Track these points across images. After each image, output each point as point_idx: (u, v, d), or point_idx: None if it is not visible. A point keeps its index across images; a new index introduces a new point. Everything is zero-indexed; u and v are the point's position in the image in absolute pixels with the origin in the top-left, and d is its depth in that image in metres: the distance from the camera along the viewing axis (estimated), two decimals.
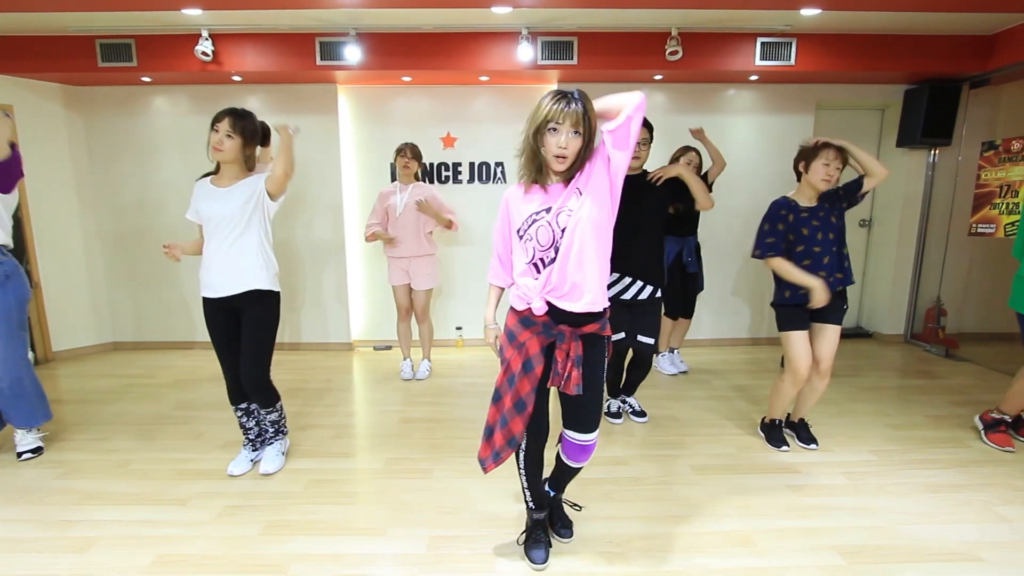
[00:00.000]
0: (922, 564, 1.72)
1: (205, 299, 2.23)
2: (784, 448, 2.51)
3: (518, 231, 1.55)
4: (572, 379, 1.52)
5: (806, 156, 2.32)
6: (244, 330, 2.21)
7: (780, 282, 2.38)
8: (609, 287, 2.42)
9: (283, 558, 1.77)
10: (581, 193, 1.48)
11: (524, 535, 1.79)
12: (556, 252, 1.48)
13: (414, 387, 3.49)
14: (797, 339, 2.34)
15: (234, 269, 2.15)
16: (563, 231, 1.46)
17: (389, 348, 4.40)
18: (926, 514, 2.00)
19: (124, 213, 4.24)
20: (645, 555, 1.77)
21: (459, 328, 4.44)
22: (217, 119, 2.09)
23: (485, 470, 1.62)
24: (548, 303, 1.51)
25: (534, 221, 1.50)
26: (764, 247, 2.34)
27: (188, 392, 3.39)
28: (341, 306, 4.35)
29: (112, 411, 3.08)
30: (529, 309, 1.54)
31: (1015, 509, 2.02)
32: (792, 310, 2.35)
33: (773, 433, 2.58)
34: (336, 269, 4.30)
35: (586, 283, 1.48)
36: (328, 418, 2.98)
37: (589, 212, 1.45)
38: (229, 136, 2.07)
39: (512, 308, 1.62)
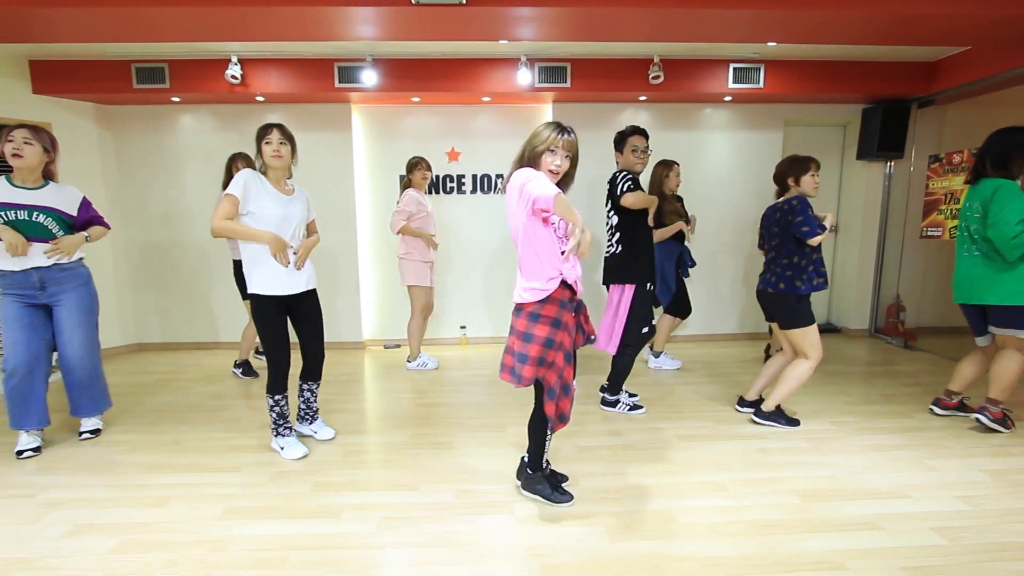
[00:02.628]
0: (862, 500, 2.10)
1: (271, 296, 2.38)
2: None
3: (552, 221, 1.88)
4: (589, 331, 2.07)
5: (795, 173, 2.69)
6: (309, 320, 2.56)
7: (806, 274, 2.63)
8: (651, 280, 2.94)
9: (334, 508, 2.10)
10: None
11: (549, 488, 2.10)
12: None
13: (426, 378, 3.83)
14: (816, 330, 2.67)
15: (305, 269, 2.50)
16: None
17: (398, 347, 4.74)
18: (870, 467, 2.39)
19: (150, 224, 4.55)
20: (635, 499, 2.13)
21: (463, 327, 4.80)
22: (266, 131, 2.37)
23: (554, 429, 2.02)
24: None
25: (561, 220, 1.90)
26: (818, 226, 2.55)
27: (217, 386, 3.70)
28: (353, 307, 4.68)
29: (152, 402, 3.38)
30: (562, 285, 1.88)
31: (941, 461, 2.42)
32: (807, 302, 2.67)
33: (782, 416, 2.82)
34: (348, 272, 4.64)
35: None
36: (352, 403, 3.31)
37: None
38: (282, 143, 2.38)
39: (546, 298, 1.86)
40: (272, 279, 2.39)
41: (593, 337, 2.11)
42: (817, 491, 2.18)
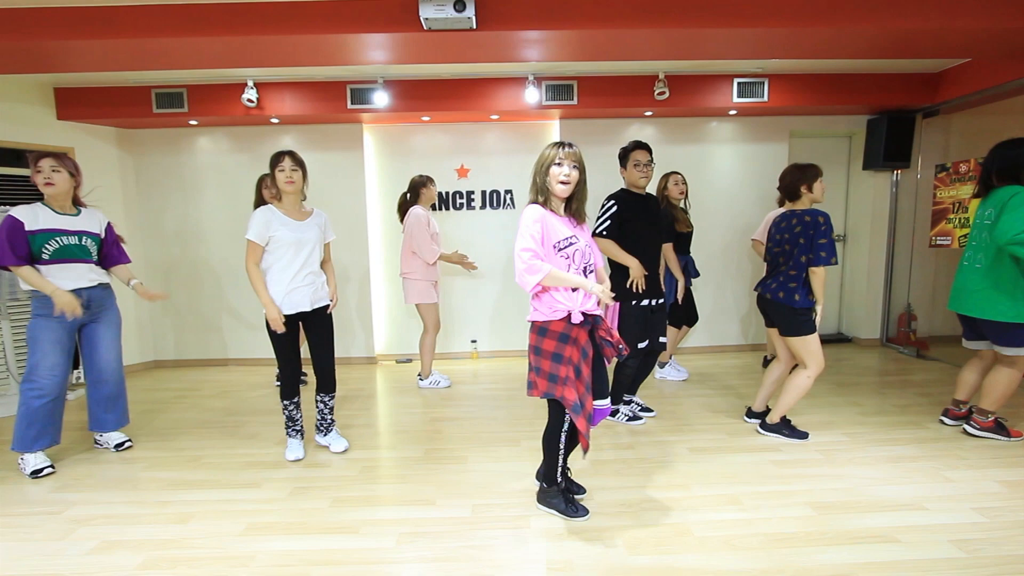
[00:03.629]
0: (877, 513, 2.10)
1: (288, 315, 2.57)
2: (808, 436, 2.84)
3: (556, 245, 1.93)
4: (617, 341, 2.03)
5: (808, 180, 2.70)
6: (319, 332, 2.68)
7: (807, 289, 2.65)
8: (639, 299, 2.93)
9: (353, 523, 2.13)
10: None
11: (564, 503, 2.11)
12: (585, 274, 1.98)
13: (438, 393, 3.87)
14: (818, 338, 2.69)
15: (314, 287, 2.63)
16: (592, 263, 2.01)
17: (410, 361, 4.78)
18: (885, 478, 2.39)
19: (168, 243, 4.66)
20: (651, 513, 2.15)
21: (474, 341, 4.84)
22: (279, 159, 2.52)
23: (587, 448, 1.93)
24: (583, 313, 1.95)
25: (571, 243, 1.95)
26: (834, 256, 2.55)
27: (233, 401, 3.76)
28: (365, 323, 4.75)
29: (169, 418, 3.44)
30: (569, 316, 1.92)
31: (959, 472, 2.42)
32: (811, 314, 2.70)
33: (791, 428, 2.85)
34: (360, 288, 4.71)
35: None
36: (366, 418, 3.35)
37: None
38: (294, 170, 2.54)
39: (548, 320, 1.92)
40: (279, 299, 2.55)
41: (621, 346, 2.04)
42: (832, 503, 2.18)
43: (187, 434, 3.15)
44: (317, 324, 2.70)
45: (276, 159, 2.53)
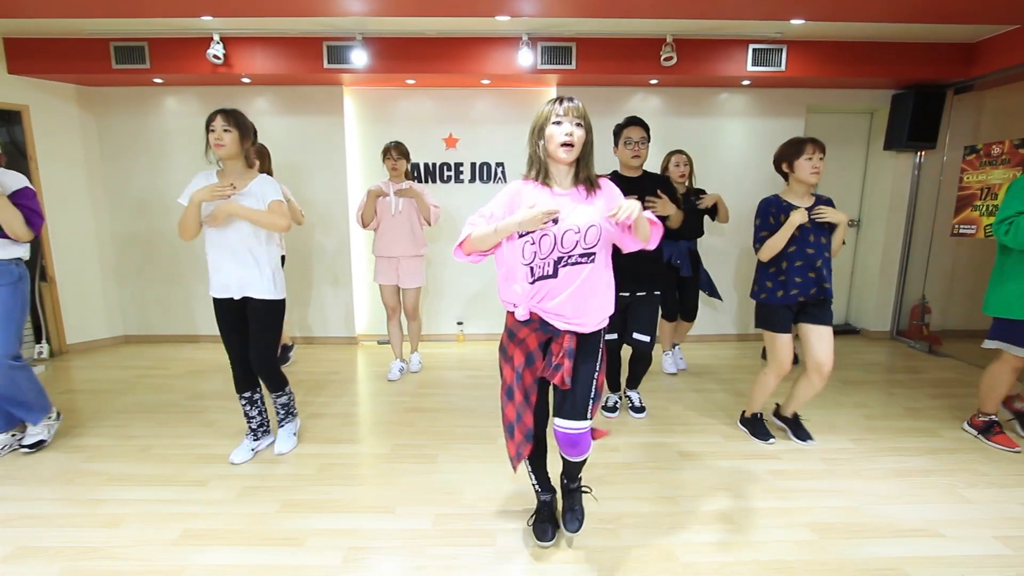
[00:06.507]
0: (886, 539, 1.87)
1: (215, 299, 2.36)
2: (771, 440, 2.60)
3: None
4: (563, 370, 1.55)
5: (787, 157, 2.36)
6: (252, 322, 2.37)
7: (763, 279, 2.46)
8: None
9: (299, 533, 1.92)
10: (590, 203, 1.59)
11: (532, 516, 1.91)
12: (555, 269, 1.53)
13: (417, 379, 3.64)
14: (782, 340, 2.43)
15: (244, 270, 2.32)
16: (569, 256, 1.53)
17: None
18: (895, 496, 2.15)
19: (134, 210, 4.37)
20: (634, 531, 1.92)
21: (460, 323, 4.59)
22: (210, 119, 2.21)
23: (515, 468, 1.70)
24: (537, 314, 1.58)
25: (544, 235, 1.52)
26: (761, 240, 2.38)
27: (198, 383, 3.54)
28: (345, 301, 4.49)
29: (127, 401, 3.22)
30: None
31: (977, 491, 2.18)
32: (774, 309, 2.43)
33: (757, 427, 2.67)
34: (341, 265, 4.44)
35: (595, 309, 1.59)
36: (336, 407, 3.13)
37: (602, 233, 1.55)
38: (226, 131, 2.19)
39: (508, 308, 1.64)
40: (214, 282, 2.36)
41: (567, 378, 1.58)
42: (834, 525, 1.95)
43: (142, 419, 2.93)
44: (249, 314, 2.37)
45: (209, 118, 2.21)
